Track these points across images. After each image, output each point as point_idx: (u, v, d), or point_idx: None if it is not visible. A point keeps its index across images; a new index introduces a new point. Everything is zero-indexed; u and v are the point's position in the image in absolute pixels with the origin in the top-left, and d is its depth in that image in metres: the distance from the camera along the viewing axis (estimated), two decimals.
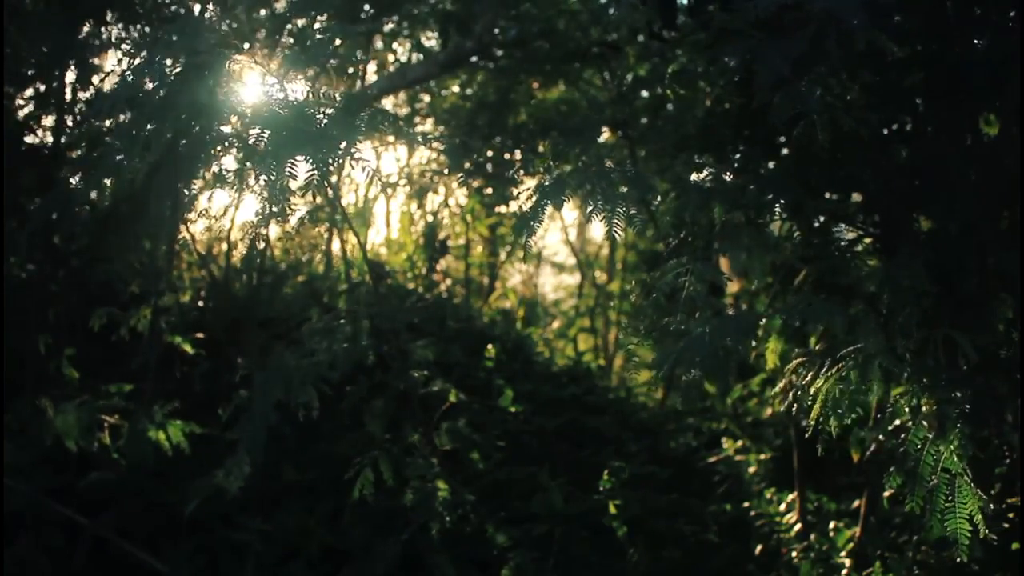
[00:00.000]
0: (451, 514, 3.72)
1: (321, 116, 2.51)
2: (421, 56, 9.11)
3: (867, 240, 3.21)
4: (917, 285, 2.63)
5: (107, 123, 3.74)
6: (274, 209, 2.38)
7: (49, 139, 4.68)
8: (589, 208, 2.61)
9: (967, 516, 2.29)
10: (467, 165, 9.01)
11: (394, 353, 4.03)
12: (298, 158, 2.32)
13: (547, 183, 2.61)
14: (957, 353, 2.69)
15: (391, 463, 3.78)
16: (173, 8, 4.54)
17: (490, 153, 9.01)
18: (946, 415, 2.34)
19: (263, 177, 2.32)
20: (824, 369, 2.55)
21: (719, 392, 6.92)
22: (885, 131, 3.27)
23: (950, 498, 2.31)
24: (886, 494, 3.67)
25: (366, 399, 4.31)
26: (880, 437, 2.69)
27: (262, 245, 5.41)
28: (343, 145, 2.40)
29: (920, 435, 2.37)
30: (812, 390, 2.50)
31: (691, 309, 2.55)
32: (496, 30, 7.28)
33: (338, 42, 3.29)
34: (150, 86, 2.40)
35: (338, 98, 2.57)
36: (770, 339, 3.20)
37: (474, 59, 7.66)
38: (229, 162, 3.08)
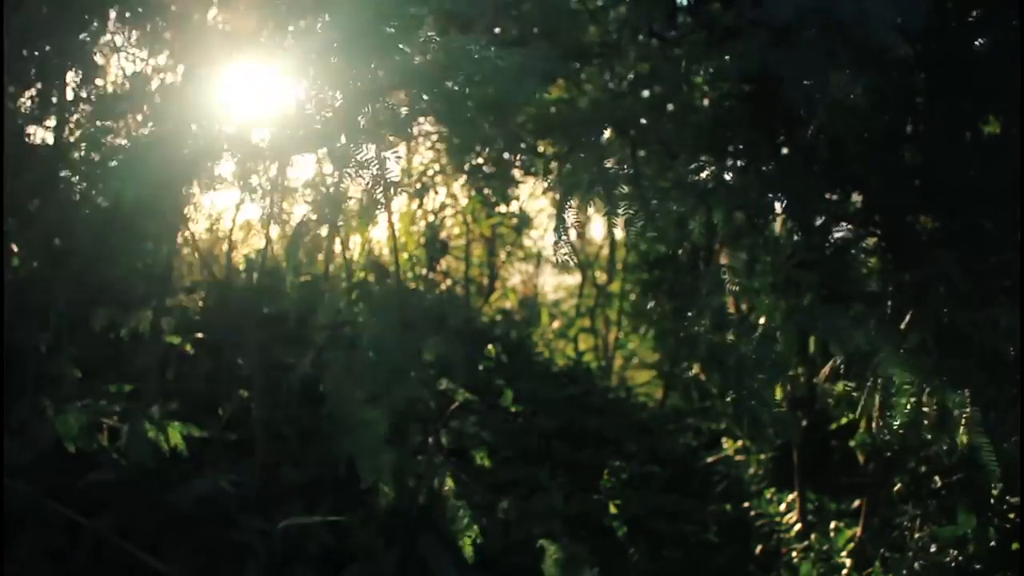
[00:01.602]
0: (466, 513, 3.71)
1: (322, 116, 2.51)
2: None
3: (870, 240, 3.22)
4: (919, 285, 2.63)
5: (109, 124, 3.74)
6: (276, 209, 2.37)
7: (50, 139, 4.67)
8: (590, 209, 2.61)
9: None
10: (467, 165, 9.00)
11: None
12: (301, 157, 2.32)
13: (563, 186, 2.62)
14: (959, 353, 2.70)
15: (401, 462, 3.78)
16: (176, 9, 4.53)
17: (490, 152, 8.99)
18: (949, 413, 2.35)
19: (266, 176, 2.32)
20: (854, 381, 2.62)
21: (720, 392, 6.92)
22: (888, 131, 3.28)
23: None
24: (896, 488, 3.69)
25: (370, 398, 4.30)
26: (886, 437, 2.71)
27: (263, 244, 5.42)
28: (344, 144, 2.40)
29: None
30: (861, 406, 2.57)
31: (697, 312, 2.57)
32: (497, 30, 7.27)
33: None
34: (152, 86, 2.40)
35: (339, 97, 2.57)
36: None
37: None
38: (231, 162, 3.08)
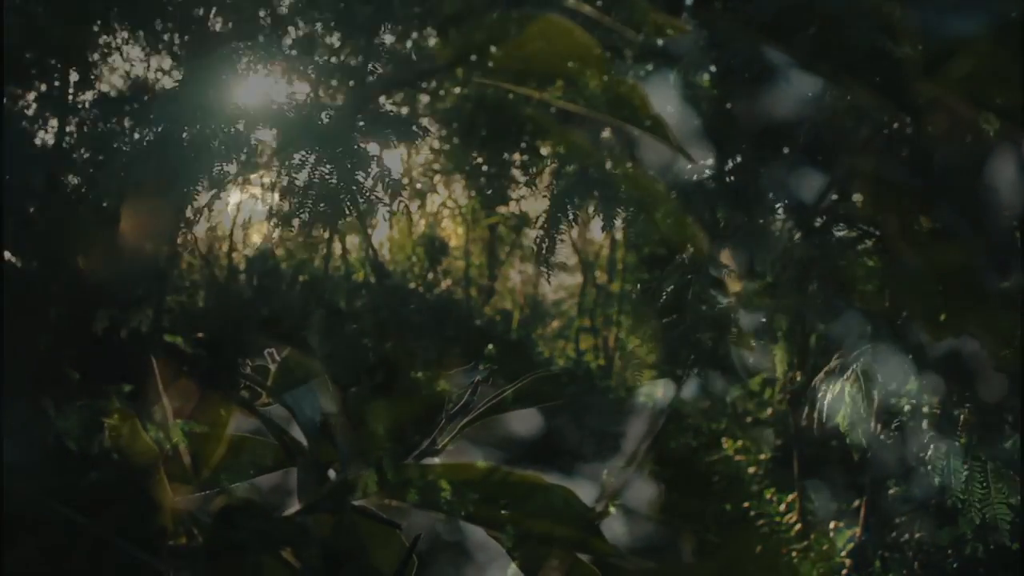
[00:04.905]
0: (459, 508, 3.71)
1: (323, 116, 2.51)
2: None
3: (870, 240, 3.22)
4: (919, 286, 2.63)
5: (110, 124, 3.74)
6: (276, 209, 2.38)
7: (51, 140, 4.68)
8: (591, 210, 2.62)
9: (1005, 502, 2.35)
10: (467, 165, 9.01)
11: (399, 352, 4.03)
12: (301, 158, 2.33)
13: (557, 190, 2.61)
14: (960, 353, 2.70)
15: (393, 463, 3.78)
16: (177, 10, 4.54)
17: (490, 152, 9.00)
18: (949, 415, 2.35)
19: (267, 178, 2.32)
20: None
21: (719, 392, 6.93)
22: (886, 130, 3.28)
23: (985, 484, 2.36)
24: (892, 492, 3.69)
25: (368, 399, 4.31)
26: (882, 437, 2.71)
27: (263, 245, 5.43)
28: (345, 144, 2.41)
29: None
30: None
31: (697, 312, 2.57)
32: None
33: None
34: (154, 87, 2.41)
35: (340, 98, 2.57)
36: (776, 346, 3.22)
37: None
38: (232, 163, 3.08)
